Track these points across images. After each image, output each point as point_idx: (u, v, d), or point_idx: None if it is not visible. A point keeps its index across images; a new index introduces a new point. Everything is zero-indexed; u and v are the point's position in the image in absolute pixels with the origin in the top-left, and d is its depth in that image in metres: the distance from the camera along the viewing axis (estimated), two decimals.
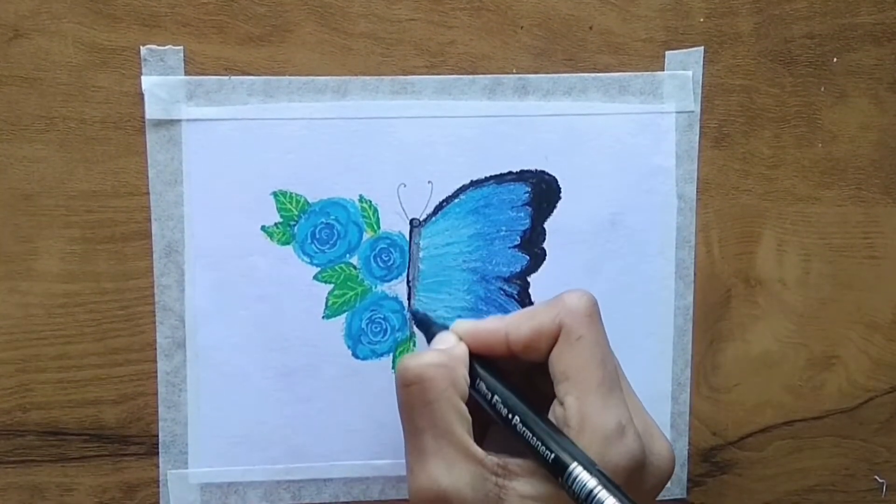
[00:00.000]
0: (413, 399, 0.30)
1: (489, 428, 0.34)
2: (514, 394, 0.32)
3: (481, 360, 0.33)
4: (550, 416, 0.31)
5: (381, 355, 0.39)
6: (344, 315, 0.39)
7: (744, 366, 0.42)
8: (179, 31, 0.37)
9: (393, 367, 0.40)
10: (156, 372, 0.39)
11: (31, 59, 0.37)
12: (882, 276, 0.42)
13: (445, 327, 0.34)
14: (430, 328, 0.35)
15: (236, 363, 0.39)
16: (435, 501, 0.30)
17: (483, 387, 0.32)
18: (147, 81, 0.37)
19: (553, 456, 0.29)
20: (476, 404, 0.32)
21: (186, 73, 0.37)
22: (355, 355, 0.39)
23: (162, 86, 0.37)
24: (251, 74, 0.38)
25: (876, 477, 0.43)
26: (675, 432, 0.41)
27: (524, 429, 0.30)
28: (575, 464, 0.29)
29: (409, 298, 0.40)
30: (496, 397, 0.31)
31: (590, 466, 0.29)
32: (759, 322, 0.42)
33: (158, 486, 0.39)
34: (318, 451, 0.40)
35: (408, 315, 0.39)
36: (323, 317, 0.39)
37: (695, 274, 0.41)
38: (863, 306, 0.42)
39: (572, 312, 0.31)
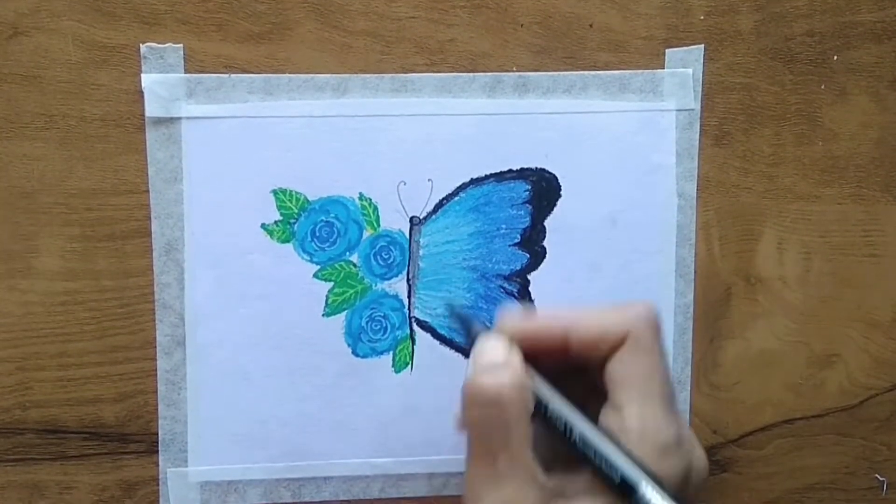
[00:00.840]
0: (489, 421, 0.29)
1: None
2: (569, 403, 0.30)
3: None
4: (602, 423, 0.30)
5: (381, 353, 0.39)
6: (344, 313, 0.39)
7: (744, 364, 0.42)
8: (179, 29, 0.37)
9: (393, 366, 0.40)
10: (155, 370, 0.39)
11: (30, 56, 0.37)
12: (882, 274, 0.42)
13: (486, 327, 0.33)
14: (470, 327, 0.33)
15: (236, 361, 0.39)
16: None
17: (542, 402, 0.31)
18: (147, 79, 0.37)
19: (621, 475, 0.28)
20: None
21: (186, 70, 0.37)
22: (355, 353, 0.39)
23: (162, 83, 0.37)
24: (251, 72, 0.38)
25: (876, 475, 0.43)
26: None
27: (585, 445, 0.29)
28: (645, 483, 0.28)
29: (409, 296, 0.39)
30: (557, 412, 0.30)
31: (659, 485, 0.28)
32: (759, 320, 0.42)
33: (158, 485, 0.39)
34: (318, 450, 0.39)
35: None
36: (323, 315, 0.39)
37: (695, 272, 0.41)
38: (863, 304, 0.42)
39: (643, 321, 0.31)
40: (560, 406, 0.30)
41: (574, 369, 0.32)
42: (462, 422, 0.30)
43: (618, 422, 0.30)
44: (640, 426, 0.29)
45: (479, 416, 0.29)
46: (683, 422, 0.32)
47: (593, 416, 0.30)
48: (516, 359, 0.31)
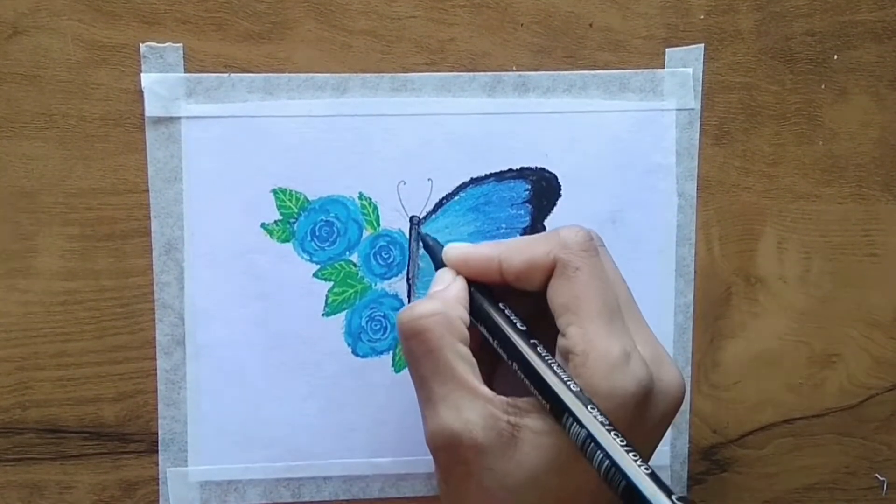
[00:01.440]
0: (414, 351, 0.31)
1: (497, 368, 0.34)
2: (511, 327, 0.32)
3: (485, 287, 0.33)
4: (557, 348, 0.31)
5: (381, 353, 0.39)
6: (344, 313, 0.39)
7: (744, 364, 0.42)
8: (179, 29, 0.37)
9: (393, 365, 0.39)
10: (155, 370, 0.39)
11: (30, 56, 0.37)
12: (883, 274, 0.42)
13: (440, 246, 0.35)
14: (436, 254, 0.35)
15: (236, 361, 0.39)
16: (448, 446, 0.30)
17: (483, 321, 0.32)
18: (146, 79, 0.37)
19: (551, 401, 0.29)
20: (484, 343, 0.32)
21: (186, 70, 0.37)
22: (355, 353, 0.39)
23: (161, 83, 0.37)
24: (251, 72, 0.38)
25: (877, 475, 0.43)
26: (675, 430, 0.41)
27: (519, 368, 0.30)
28: (574, 407, 0.28)
29: (408, 296, 0.39)
30: (492, 334, 0.32)
31: (585, 406, 0.28)
32: (759, 320, 0.42)
33: (158, 484, 0.39)
34: (318, 449, 0.39)
35: (415, 235, 0.39)
36: (323, 314, 0.39)
37: (695, 272, 0.41)
38: (863, 304, 0.42)
39: (567, 247, 0.31)
40: (500, 333, 0.32)
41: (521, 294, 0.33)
42: None
43: (564, 345, 0.31)
44: (582, 348, 0.30)
45: (406, 349, 0.31)
46: (642, 337, 0.32)
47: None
48: (456, 287, 0.33)
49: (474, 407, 0.30)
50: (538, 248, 0.32)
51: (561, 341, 0.31)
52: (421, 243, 0.38)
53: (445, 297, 0.32)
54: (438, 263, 0.35)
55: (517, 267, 0.32)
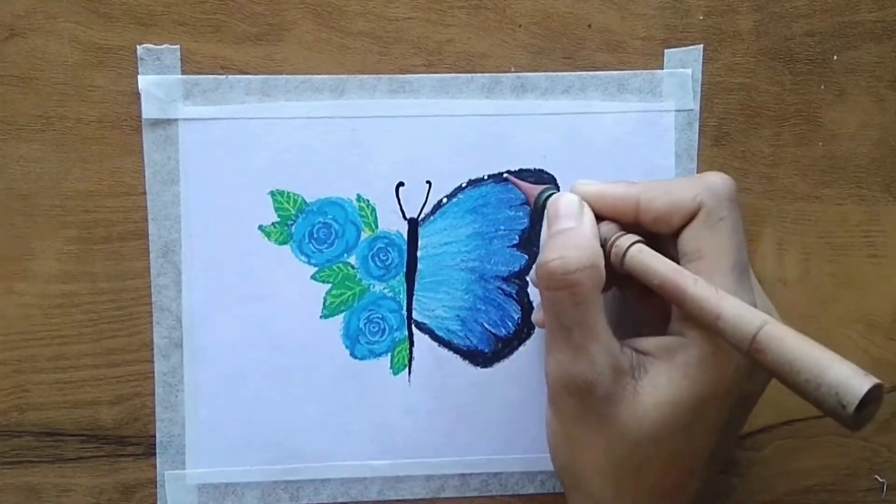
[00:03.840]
0: (562, 302, 0.30)
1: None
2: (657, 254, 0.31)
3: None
4: None
5: (379, 355, 0.39)
6: (342, 315, 0.39)
7: None
8: (176, 30, 0.37)
9: (391, 368, 0.39)
10: (153, 372, 0.38)
11: (27, 58, 0.37)
12: (883, 275, 0.42)
13: (548, 187, 0.34)
14: (537, 187, 0.34)
15: (234, 363, 0.39)
16: (580, 392, 0.30)
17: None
18: (143, 81, 0.37)
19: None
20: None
21: (183, 72, 0.37)
22: (353, 355, 0.39)
23: (158, 85, 0.37)
24: (248, 73, 0.38)
25: (876, 476, 0.43)
26: None
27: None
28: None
29: (407, 298, 0.39)
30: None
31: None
32: None
33: (156, 487, 0.39)
34: (316, 452, 0.39)
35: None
36: (321, 316, 0.39)
37: None
38: (863, 305, 0.42)
39: (716, 194, 0.31)
40: (636, 256, 0.31)
41: (646, 234, 0.32)
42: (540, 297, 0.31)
43: None
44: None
45: (551, 298, 0.30)
46: (758, 293, 0.32)
47: None
48: (589, 227, 0.31)
49: (608, 359, 0.30)
50: (684, 191, 0.31)
51: None
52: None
53: (591, 244, 0.31)
54: (539, 196, 0.34)
55: (659, 208, 0.31)
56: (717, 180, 0.31)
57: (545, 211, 0.33)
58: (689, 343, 0.30)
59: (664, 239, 0.32)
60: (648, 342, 0.31)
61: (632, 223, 0.32)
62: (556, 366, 0.31)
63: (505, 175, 0.38)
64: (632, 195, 0.32)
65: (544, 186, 0.34)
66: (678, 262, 0.31)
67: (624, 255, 0.31)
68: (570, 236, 0.31)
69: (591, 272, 0.30)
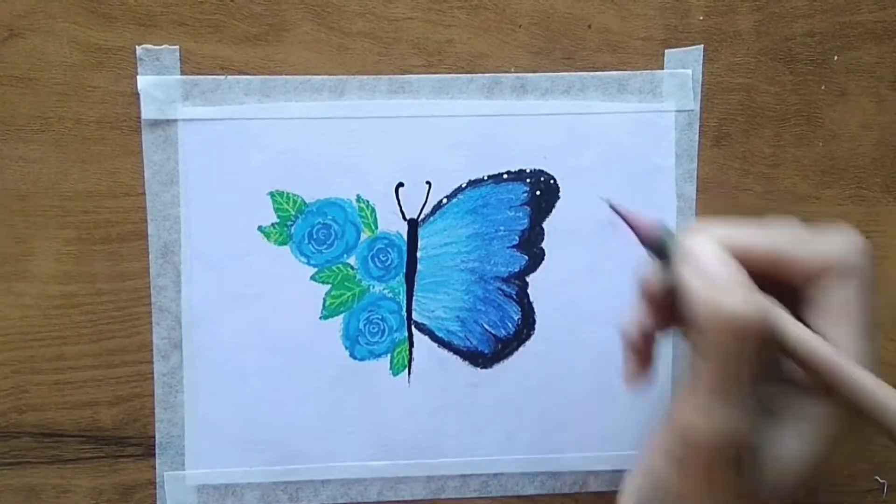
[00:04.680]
0: (737, 354, 0.27)
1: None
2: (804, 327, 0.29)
3: None
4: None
5: (379, 356, 0.39)
6: (341, 315, 0.39)
7: None
8: (175, 31, 0.37)
9: (391, 368, 0.39)
10: (152, 373, 0.38)
11: (26, 58, 0.37)
12: (883, 276, 0.42)
13: (664, 229, 0.30)
14: (659, 232, 0.30)
15: (233, 364, 0.39)
16: (735, 457, 0.28)
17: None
18: (143, 81, 0.37)
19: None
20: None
21: (182, 72, 0.37)
22: (353, 356, 0.39)
23: (158, 85, 0.37)
24: (247, 74, 0.38)
25: (877, 477, 0.43)
26: None
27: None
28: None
29: (407, 299, 0.39)
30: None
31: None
32: None
33: (155, 488, 0.39)
34: (316, 453, 0.39)
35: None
36: (320, 317, 0.39)
37: None
38: None
39: (857, 248, 0.30)
40: (801, 334, 0.28)
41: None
42: (695, 340, 0.27)
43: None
44: (854, 358, 0.29)
45: (726, 345, 0.27)
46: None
47: None
48: (744, 275, 0.28)
49: (748, 424, 0.28)
50: (826, 243, 0.29)
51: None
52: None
53: (754, 290, 0.27)
54: (659, 236, 0.30)
55: (804, 261, 0.29)
56: (857, 237, 0.30)
57: (669, 253, 0.29)
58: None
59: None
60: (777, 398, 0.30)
61: (762, 270, 0.29)
62: (691, 419, 0.28)
63: (610, 204, 0.32)
64: (769, 246, 0.29)
65: (657, 224, 0.30)
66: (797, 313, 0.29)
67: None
68: (733, 284, 0.27)
69: (767, 325, 0.27)
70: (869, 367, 0.29)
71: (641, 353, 0.32)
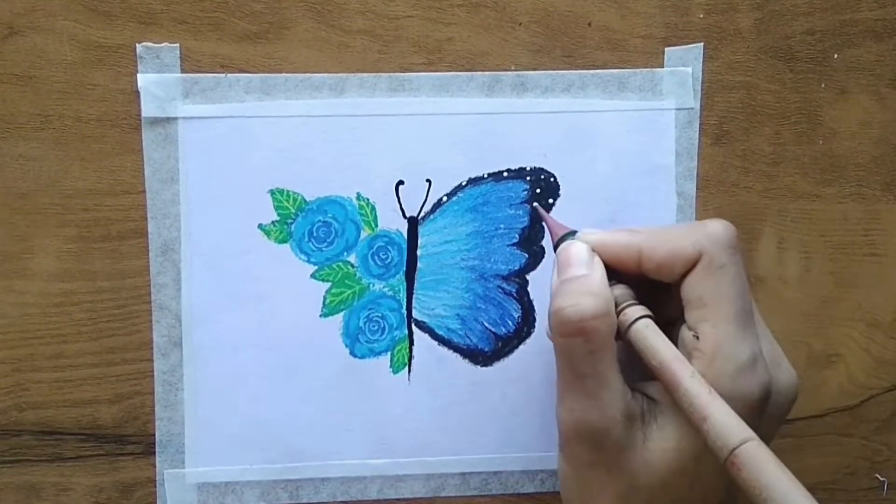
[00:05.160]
0: (576, 349, 0.30)
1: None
2: (651, 324, 0.31)
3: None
4: (680, 341, 0.31)
5: (379, 354, 0.39)
6: (341, 313, 0.39)
7: None
8: (175, 29, 0.37)
9: (391, 366, 0.39)
10: (152, 371, 0.38)
11: (26, 56, 0.37)
12: (883, 274, 0.42)
13: (571, 232, 0.33)
14: (551, 228, 0.34)
15: (233, 362, 0.39)
16: (591, 440, 0.30)
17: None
18: (143, 79, 0.37)
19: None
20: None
21: (182, 70, 0.37)
22: (353, 354, 0.39)
23: (158, 83, 0.37)
24: (248, 72, 0.38)
25: (877, 475, 0.43)
26: None
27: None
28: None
29: (407, 297, 0.39)
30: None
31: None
32: None
33: (155, 486, 0.39)
34: (316, 451, 0.39)
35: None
36: (320, 315, 0.39)
37: None
38: (864, 304, 0.42)
39: (716, 241, 0.31)
40: (642, 331, 0.31)
41: (651, 283, 0.32)
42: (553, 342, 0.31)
43: (690, 340, 0.30)
44: (712, 349, 0.30)
45: (566, 344, 0.30)
46: (764, 339, 0.32)
47: (674, 329, 0.31)
48: (600, 275, 0.31)
49: (619, 406, 0.30)
50: (683, 238, 0.31)
51: (687, 336, 0.31)
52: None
53: (604, 291, 0.31)
54: (555, 238, 0.34)
55: (660, 257, 0.31)
56: (717, 228, 0.31)
57: (556, 257, 0.33)
58: None
59: (671, 287, 0.32)
60: (656, 387, 0.31)
61: (635, 272, 0.32)
62: (568, 413, 0.31)
63: (534, 205, 0.38)
64: (633, 244, 0.32)
65: (568, 231, 0.34)
66: (682, 310, 0.31)
67: (629, 326, 0.31)
68: (584, 283, 0.31)
69: (605, 319, 0.30)
70: (733, 351, 0.29)
71: None
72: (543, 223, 0.35)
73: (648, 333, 0.30)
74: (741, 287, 0.31)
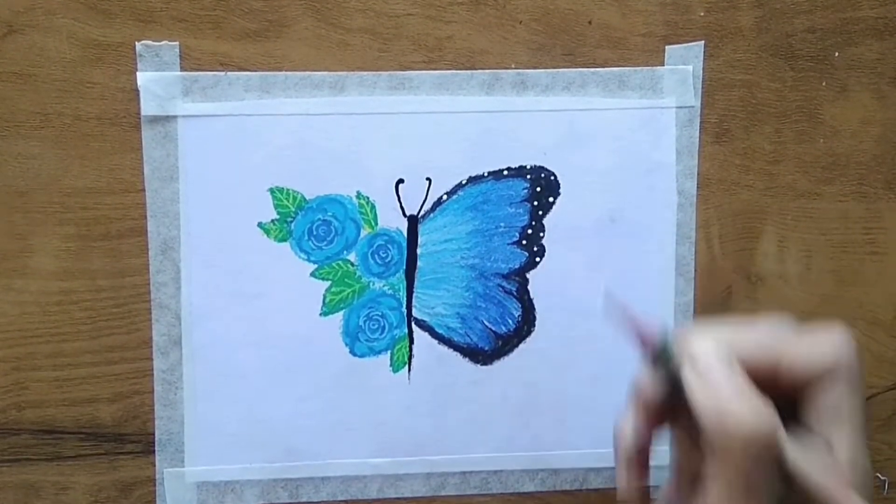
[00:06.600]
0: (755, 473, 0.27)
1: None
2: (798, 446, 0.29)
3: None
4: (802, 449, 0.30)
5: (379, 352, 0.39)
6: (341, 312, 0.39)
7: None
8: (175, 27, 0.37)
9: (391, 365, 0.39)
10: (152, 370, 0.38)
11: (25, 55, 0.37)
12: (884, 273, 0.42)
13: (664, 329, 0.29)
14: (660, 340, 0.29)
15: (233, 361, 0.39)
16: None
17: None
18: (142, 77, 0.37)
19: None
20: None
21: (182, 68, 0.37)
22: (353, 353, 0.39)
23: (157, 82, 0.37)
24: (247, 70, 0.37)
25: (878, 474, 0.43)
26: None
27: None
28: None
29: (407, 295, 0.39)
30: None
31: None
32: None
33: (155, 485, 0.39)
34: (316, 450, 0.39)
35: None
36: (320, 314, 0.39)
37: (695, 270, 0.40)
38: (864, 302, 0.42)
39: (850, 350, 0.29)
40: (796, 456, 0.28)
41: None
42: (706, 448, 0.27)
43: (825, 452, 0.29)
44: (851, 460, 0.29)
45: (739, 457, 0.27)
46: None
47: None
48: (748, 382, 0.28)
49: None
50: (820, 347, 0.29)
51: (818, 445, 0.29)
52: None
53: (763, 409, 0.27)
54: (661, 343, 0.29)
55: (802, 366, 0.29)
56: (847, 335, 0.29)
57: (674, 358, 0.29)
58: None
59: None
60: None
61: (765, 377, 0.29)
62: None
63: (610, 300, 0.34)
64: (770, 346, 0.29)
65: (658, 328, 0.29)
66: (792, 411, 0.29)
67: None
68: (741, 389, 0.27)
69: (777, 440, 0.27)
70: (864, 463, 0.29)
71: (637, 466, 0.31)
72: (627, 323, 0.30)
73: (791, 445, 0.28)
74: (863, 396, 0.30)
